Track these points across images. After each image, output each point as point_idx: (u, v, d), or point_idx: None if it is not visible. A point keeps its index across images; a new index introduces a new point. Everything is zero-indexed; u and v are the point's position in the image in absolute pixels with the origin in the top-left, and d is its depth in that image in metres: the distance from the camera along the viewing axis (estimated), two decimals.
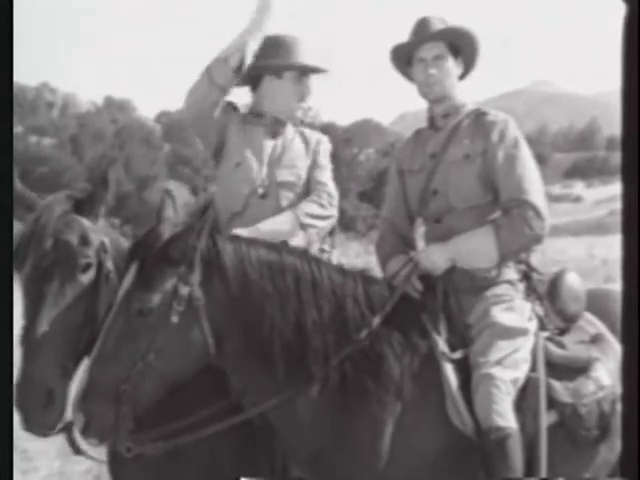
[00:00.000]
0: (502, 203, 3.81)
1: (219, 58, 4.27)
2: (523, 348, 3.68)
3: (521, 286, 3.89)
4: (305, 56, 4.43)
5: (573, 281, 4.07)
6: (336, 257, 4.36)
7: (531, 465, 3.55)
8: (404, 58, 4.10)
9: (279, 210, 4.27)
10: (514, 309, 3.76)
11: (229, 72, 4.25)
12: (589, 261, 24.24)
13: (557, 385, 3.74)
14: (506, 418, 3.46)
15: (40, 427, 3.51)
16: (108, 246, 3.74)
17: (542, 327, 3.87)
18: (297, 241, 4.18)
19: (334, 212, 4.44)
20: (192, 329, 3.34)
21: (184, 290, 3.33)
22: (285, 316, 3.45)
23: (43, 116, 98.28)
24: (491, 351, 3.59)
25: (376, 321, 3.55)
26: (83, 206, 3.73)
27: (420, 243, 4.11)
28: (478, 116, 3.98)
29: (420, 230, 4.12)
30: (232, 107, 4.46)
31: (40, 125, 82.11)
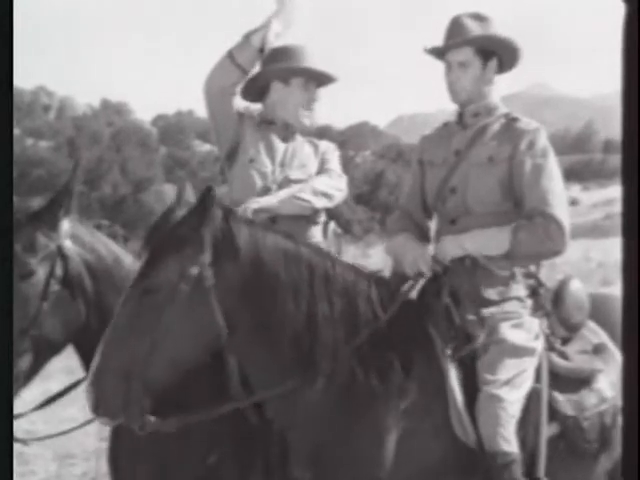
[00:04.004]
0: (525, 212, 3.75)
1: (242, 37, 4.35)
2: (529, 368, 3.66)
3: (529, 302, 3.83)
4: (312, 63, 4.48)
5: (577, 289, 4.05)
6: None
7: (530, 475, 3.56)
8: (441, 56, 4.03)
9: None
10: (522, 326, 3.72)
11: (251, 51, 4.34)
12: (585, 264, 24.27)
13: (560, 397, 3.75)
14: (512, 443, 3.48)
15: None
16: (69, 250, 3.70)
17: (548, 342, 3.85)
18: (315, 203, 4.35)
19: (344, 186, 4.60)
20: (201, 311, 3.30)
21: (193, 270, 3.29)
22: (297, 305, 3.43)
23: (40, 119, 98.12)
24: (499, 369, 3.57)
25: (384, 318, 3.53)
26: (42, 214, 3.69)
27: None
28: (509, 121, 3.93)
29: (433, 226, 4.09)
30: (248, 114, 4.55)
31: (37, 128, 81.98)
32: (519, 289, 3.79)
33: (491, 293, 3.74)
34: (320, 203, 4.39)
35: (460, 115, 4.04)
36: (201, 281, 3.30)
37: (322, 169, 4.57)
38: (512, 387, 3.55)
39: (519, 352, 3.63)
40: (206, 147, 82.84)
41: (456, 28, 3.92)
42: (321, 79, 4.55)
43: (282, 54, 4.45)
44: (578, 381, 3.84)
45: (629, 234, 2.94)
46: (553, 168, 3.81)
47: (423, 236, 4.06)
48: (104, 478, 4.05)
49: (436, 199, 3.97)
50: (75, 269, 3.70)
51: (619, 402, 3.71)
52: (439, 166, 3.99)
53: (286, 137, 4.55)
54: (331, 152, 4.67)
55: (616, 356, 3.96)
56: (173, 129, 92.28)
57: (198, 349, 3.36)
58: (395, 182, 52.22)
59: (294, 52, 4.48)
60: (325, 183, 4.46)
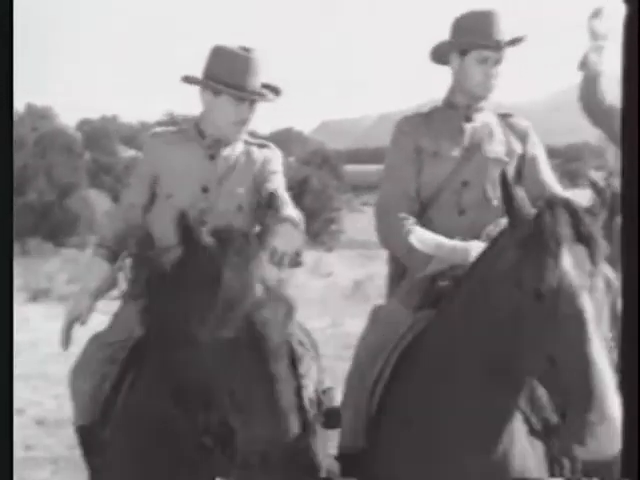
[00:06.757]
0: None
1: None
2: None
3: None
4: (252, 78, 3.95)
5: None
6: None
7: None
8: (456, 48, 3.93)
9: None
10: None
11: None
12: None
13: None
14: None
15: None
16: None
17: None
18: None
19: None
20: None
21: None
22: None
23: None
24: None
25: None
26: None
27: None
28: (504, 116, 4.02)
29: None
30: (156, 137, 4.14)
31: None
32: None
33: None
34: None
35: (450, 103, 3.99)
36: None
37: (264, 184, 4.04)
38: None
39: None
40: (131, 152, 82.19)
41: (499, 25, 3.87)
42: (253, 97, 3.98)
43: (214, 56, 3.96)
44: None
45: (629, 234, 2.96)
46: None
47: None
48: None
49: (438, 191, 3.89)
50: None
51: None
52: (443, 157, 3.89)
53: (213, 154, 4.01)
54: (274, 160, 4.15)
55: None
56: (98, 134, 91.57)
57: None
58: (320, 188, 52.23)
59: (238, 60, 3.89)
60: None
